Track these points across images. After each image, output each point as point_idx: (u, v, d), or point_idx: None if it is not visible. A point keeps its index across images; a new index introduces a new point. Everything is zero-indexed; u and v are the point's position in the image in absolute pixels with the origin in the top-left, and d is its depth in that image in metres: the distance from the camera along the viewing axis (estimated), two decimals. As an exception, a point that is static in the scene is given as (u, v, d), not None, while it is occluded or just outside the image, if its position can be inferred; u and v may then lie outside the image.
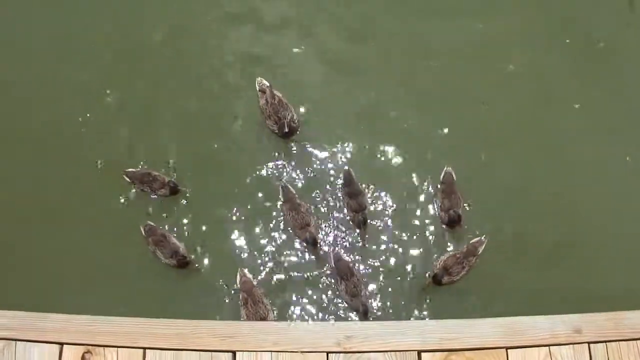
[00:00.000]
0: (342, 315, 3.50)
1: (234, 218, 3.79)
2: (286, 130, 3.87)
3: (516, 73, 4.14)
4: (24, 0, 4.42)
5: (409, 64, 4.22)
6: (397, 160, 3.96)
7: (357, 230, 3.75)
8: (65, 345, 2.75)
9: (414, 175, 3.89)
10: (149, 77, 4.20)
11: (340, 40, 4.30)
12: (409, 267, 3.66)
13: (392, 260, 3.68)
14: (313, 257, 3.71)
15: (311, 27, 4.34)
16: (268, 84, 4.00)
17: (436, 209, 3.75)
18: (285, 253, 3.73)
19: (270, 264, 3.69)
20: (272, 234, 3.78)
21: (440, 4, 4.38)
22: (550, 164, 3.87)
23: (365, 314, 3.41)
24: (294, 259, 3.70)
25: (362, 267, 3.66)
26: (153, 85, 4.17)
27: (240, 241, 3.76)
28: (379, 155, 3.97)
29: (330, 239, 3.76)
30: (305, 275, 3.64)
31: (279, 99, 3.93)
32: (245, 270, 3.59)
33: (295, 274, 3.65)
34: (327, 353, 2.67)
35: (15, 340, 2.78)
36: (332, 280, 3.59)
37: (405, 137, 4.00)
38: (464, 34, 4.25)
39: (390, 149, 3.98)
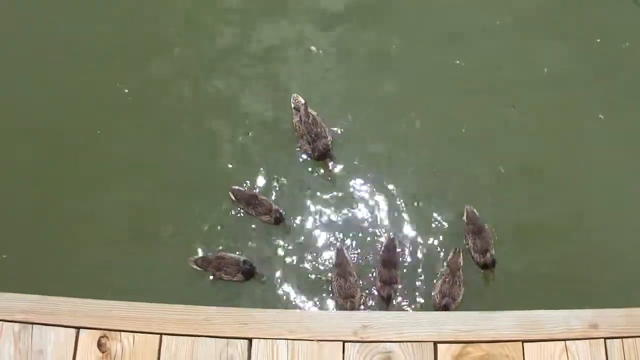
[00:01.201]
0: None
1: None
2: (321, 153, 3.73)
3: (550, 75, 4.05)
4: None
5: (432, 63, 4.14)
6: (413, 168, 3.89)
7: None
8: (81, 330, 2.75)
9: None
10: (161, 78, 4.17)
11: (359, 39, 4.22)
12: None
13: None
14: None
15: (327, 24, 4.29)
16: (303, 102, 3.85)
17: (468, 248, 3.63)
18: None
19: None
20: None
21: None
22: (569, 163, 3.85)
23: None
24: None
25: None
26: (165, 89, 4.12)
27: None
28: (393, 157, 3.90)
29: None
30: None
31: (314, 117, 3.78)
32: None
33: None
34: (344, 342, 2.66)
35: (32, 323, 2.79)
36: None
37: (422, 139, 3.95)
38: (492, 31, 4.18)
39: (405, 152, 3.91)
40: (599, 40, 4.16)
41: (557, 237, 3.67)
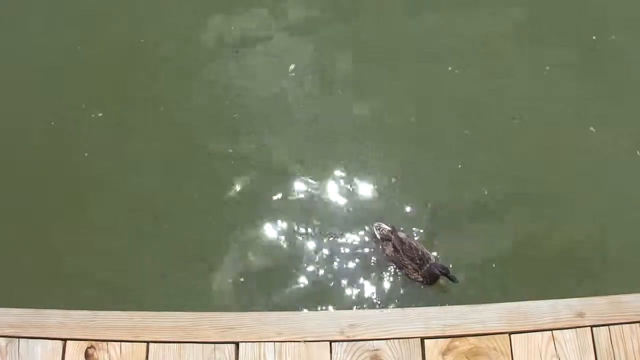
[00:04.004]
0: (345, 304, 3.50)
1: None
2: (436, 278, 3.37)
3: (552, 77, 4.00)
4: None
5: (424, 70, 4.07)
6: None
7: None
8: (68, 341, 2.75)
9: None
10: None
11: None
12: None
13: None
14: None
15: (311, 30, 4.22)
16: (389, 228, 3.51)
17: None
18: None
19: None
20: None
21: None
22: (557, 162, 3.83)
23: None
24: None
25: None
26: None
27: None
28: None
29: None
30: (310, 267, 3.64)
31: (408, 242, 3.41)
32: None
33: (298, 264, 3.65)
34: (331, 342, 2.66)
35: (19, 337, 2.78)
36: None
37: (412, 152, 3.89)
38: (491, 35, 4.12)
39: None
40: (594, 37, 4.14)
41: (543, 228, 3.67)
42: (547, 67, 4.06)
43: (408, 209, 3.73)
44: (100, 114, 4.04)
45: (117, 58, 4.24)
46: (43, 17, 4.39)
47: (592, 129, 3.89)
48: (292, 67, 4.16)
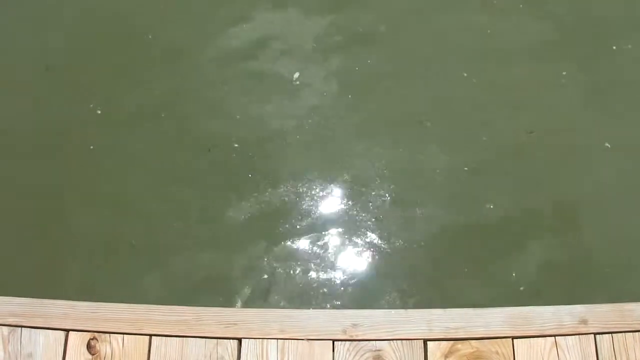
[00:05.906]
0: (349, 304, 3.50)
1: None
2: None
3: (570, 92, 3.91)
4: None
5: (438, 74, 3.99)
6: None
7: None
8: (70, 332, 2.75)
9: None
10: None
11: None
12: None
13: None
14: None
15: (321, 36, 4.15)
16: None
17: None
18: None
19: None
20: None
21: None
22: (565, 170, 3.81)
23: None
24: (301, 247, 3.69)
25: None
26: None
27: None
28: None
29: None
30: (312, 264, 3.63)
31: None
32: None
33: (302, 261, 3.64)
34: (333, 341, 2.67)
35: (21, 326, 2.78)
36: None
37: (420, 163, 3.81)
38: (507, 40, 4.05)
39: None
40: (614, 47, 4.10)
41: (548, 234, 3.66)
42: (564, 77, 4.03)
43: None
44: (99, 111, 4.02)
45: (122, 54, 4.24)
46: (44, 15, 4.38)
47: (607, 144, 3.87)
48: (296, 75, 4.14)
